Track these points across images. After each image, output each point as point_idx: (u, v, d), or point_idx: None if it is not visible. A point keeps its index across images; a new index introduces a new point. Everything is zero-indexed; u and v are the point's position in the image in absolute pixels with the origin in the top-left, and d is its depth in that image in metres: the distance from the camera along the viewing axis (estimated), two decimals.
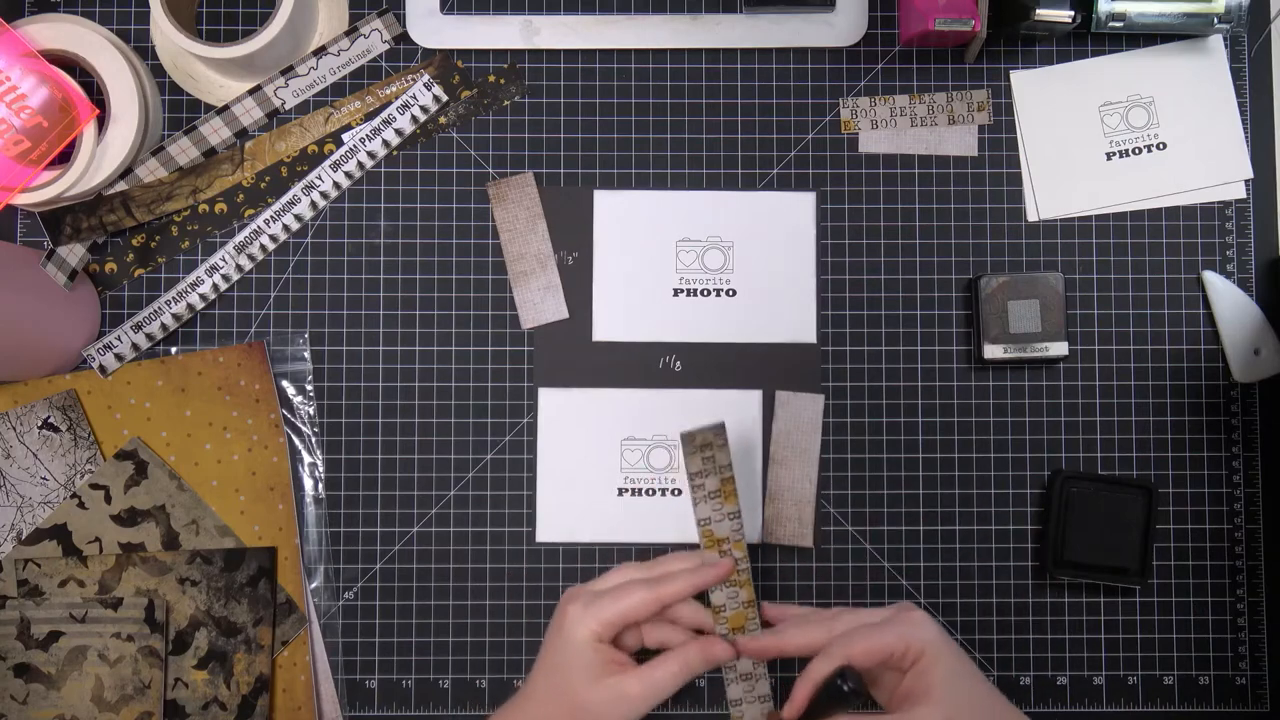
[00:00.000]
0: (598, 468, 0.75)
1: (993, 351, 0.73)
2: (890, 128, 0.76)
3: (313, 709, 0.72)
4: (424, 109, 0.75)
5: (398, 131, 0.75)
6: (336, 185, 0.75)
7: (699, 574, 0.63)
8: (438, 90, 0.75)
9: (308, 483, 0.74)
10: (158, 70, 0.75)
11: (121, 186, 0.73)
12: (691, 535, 0.73)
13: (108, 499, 0.73)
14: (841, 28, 0.76)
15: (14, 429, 0.73)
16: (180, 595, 0.72)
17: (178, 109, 0.75)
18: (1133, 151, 0.75)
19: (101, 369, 0.74)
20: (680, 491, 0.74)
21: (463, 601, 0.74)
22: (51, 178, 0.70)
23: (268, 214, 0.75)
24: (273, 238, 0.75)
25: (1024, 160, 0.76)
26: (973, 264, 0.75)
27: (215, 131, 0.75)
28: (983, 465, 0.75)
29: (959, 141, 0.76)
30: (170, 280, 0.75)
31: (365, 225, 0.75)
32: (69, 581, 0.72)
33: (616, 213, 0.75)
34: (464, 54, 0.76)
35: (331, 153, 0.75)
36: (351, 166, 0.75)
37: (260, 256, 0.75)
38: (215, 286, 0.74)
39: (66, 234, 0.73)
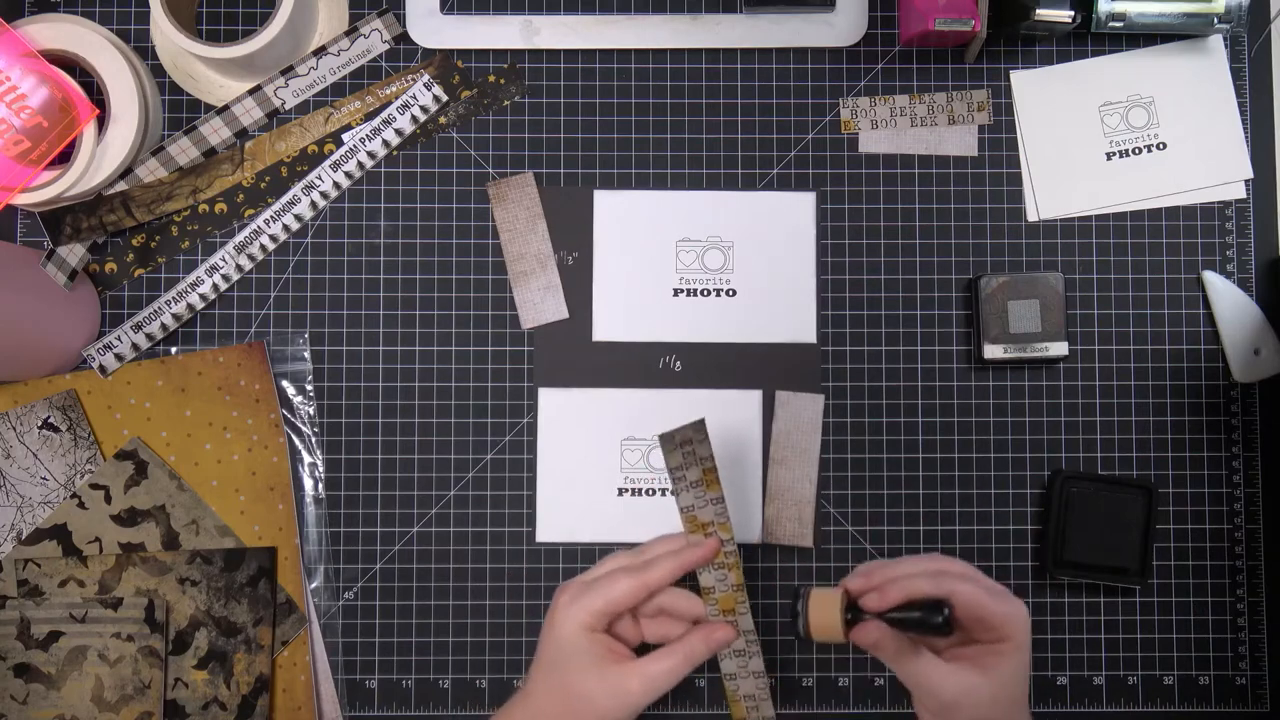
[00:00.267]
0: (598, 468, 0.75)
1: (993, 351, 0.73)
2: (890, 128, 0.76)
3: (313, 709, 0.72)
4: (424, 109, 0.75)
5: (398, 131, 0.75)
6: (336, 185, 0.75)
7: (683, 555, 0.63)
8: (438, 90, 0.75)
9: (308, 483, 0.74)
10: (158, 70, 0.75)
11: (121, 186, 0.73)
12: None
13: (108, 499, 0.73)
14: (841, 28, 0.76)
15: (14, 429, 0.73)
16: (180, 595, 0.72)
17: (178, 109, 0.75)
18: (1133, 151, 0.75)
19: (101, 369, 0.74)
20: None
21: (463, 601, 0.74)
22: (51, 178, 0.70)
23: (268, 214, 0.75)
24: (273, 238, 0.75)
25: (1024, 160, 0.76)
26: (973, 264, 0.75)
27: (215, 131, 0.75)
28: (983, 465, 0.75)
29: (959, 141, 0.76)
30: (170, 280, 0.75)
31: (365, 225, 0.75)
32: (69, 581, 0.72)
33: (616, 213, 0.75)
34: (464, 54, 0.76)
35: (331, 153, 0.75)
36: (351, 166, 0.75)
37: (260, 256, 0.75)
38: (215, 286, 0.74)
39: (66, 234, 0.73)
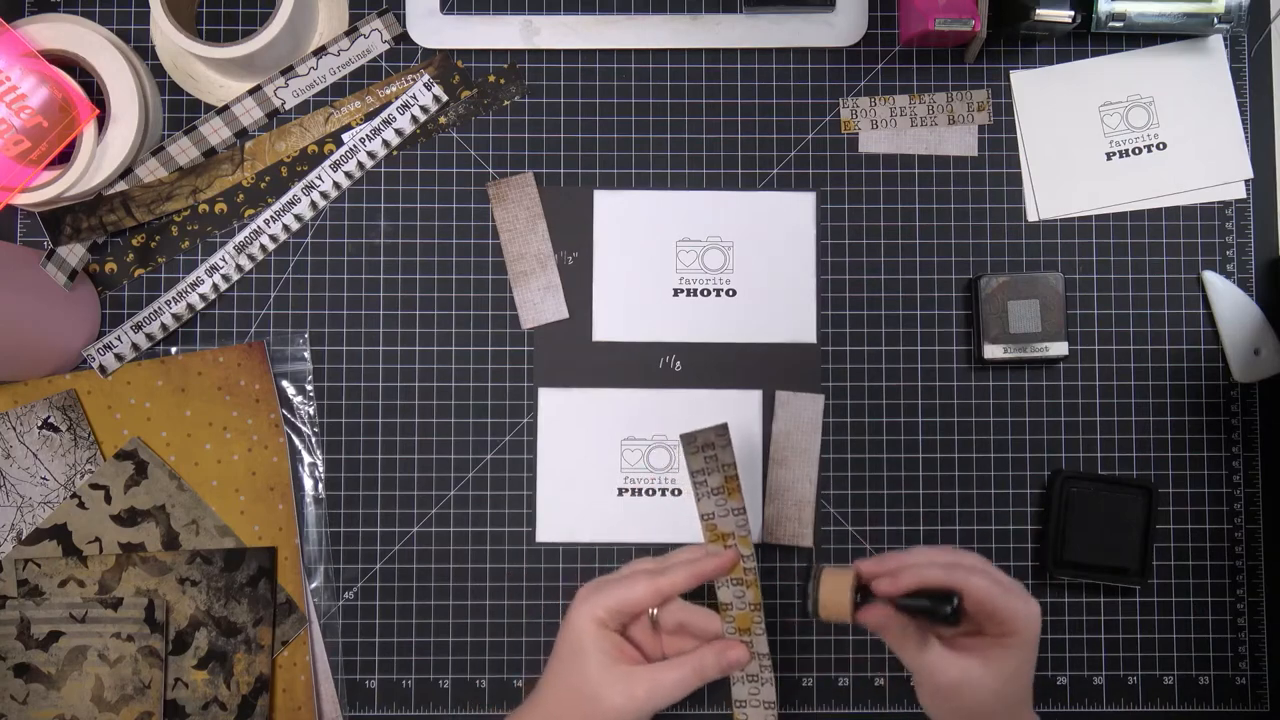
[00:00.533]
0: (598, 468, 0.75)
1: (993, 351, 0.73)
2: (890, 128, 0.76)
3: (313, 709, 0.72)
4: (424, 109, 0.75)
5: (398, 131, 0.75)
6: (336, 185, 0.75)
7: (699, 564, 0.63)
8: (438, 90, 0.75)
9: (308, 483, 0.74)
10: (158, 70, 0.75)
11: (121, 186, 0.73)
12: (692, 533, 0.73)
13: (108, 499, 0.73)
14: (841, 28, 0.76)
15: (14, 429, 0.73)
16: (180, 595, 0.72)
17: (178, 109, 0.75)
18: (1133, 151, 0.75)
19: (101, 369, 0.74)
20: (680, 491, 0.74)
21: (463, 601, 0.74)
22: (51, 178, 0.70)
23: (268, 214, 0.75)
24: (273, 238, 0.75)
25: (1024, 160, 0.76)
26: (973, 264, 0.75)
27: (215, 131, 0.75)
28: (983, 465, 0.75)
29: (959, 141, 0.76)
30: (170, 280, 0.75)
31: (365, 225, 0.75)
32: (69, 581, 0.72)
33: (616, 213, 0.75)
34: (464, 54, 0.76)
35: (331, 153, 0.75)
36: (351, 166, 0.75)
37: (260, 256, 0.75)
38: (215, 286, 0.74)
39: (66, 234, 0.73)
